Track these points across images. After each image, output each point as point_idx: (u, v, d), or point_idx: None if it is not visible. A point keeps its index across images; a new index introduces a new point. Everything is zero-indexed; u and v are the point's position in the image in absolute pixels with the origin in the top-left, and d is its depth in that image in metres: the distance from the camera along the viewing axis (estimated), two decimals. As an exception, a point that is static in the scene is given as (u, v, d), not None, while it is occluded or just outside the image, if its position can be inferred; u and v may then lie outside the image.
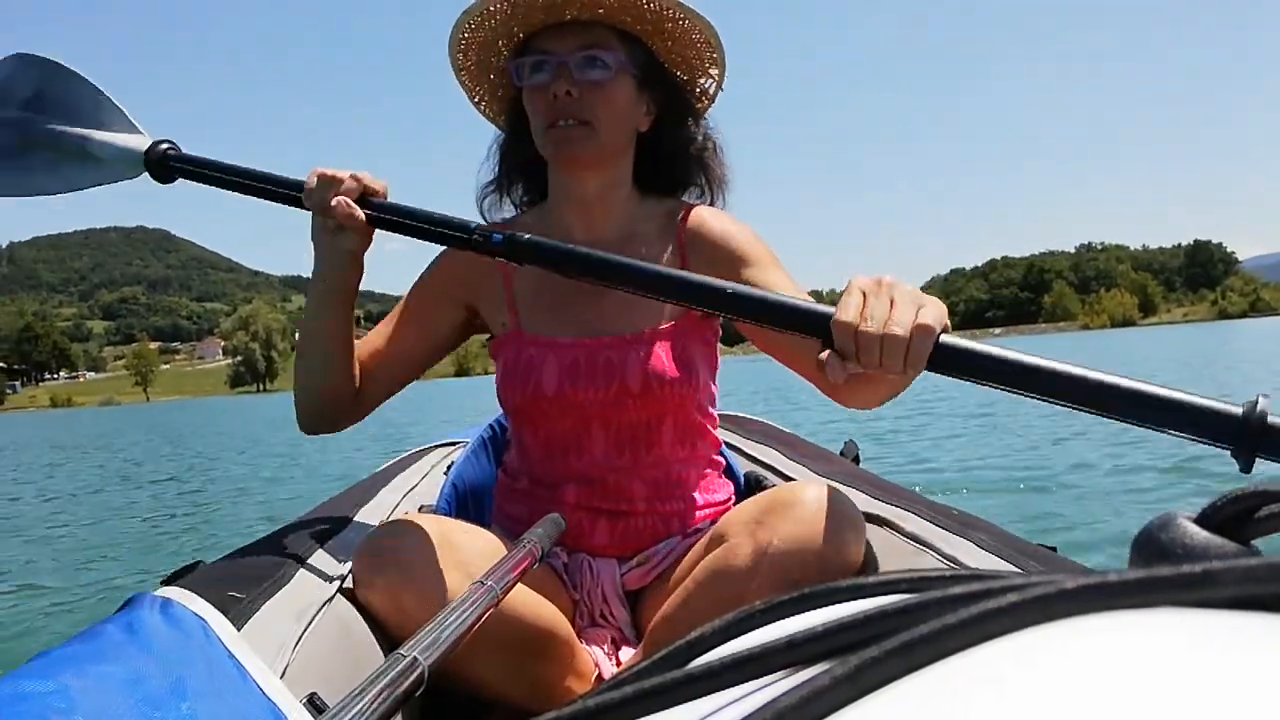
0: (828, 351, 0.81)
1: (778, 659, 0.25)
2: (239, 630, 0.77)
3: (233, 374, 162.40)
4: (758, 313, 0.87)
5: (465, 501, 1.50)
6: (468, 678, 0.97)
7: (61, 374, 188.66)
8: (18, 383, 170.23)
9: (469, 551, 0.99)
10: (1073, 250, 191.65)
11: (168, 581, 0.90)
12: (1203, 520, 0.29)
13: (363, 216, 1.05)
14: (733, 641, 0.30)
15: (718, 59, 1.21)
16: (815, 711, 0.21)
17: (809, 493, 0.97)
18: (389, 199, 1.09)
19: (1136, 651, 0.20)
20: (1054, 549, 1.00)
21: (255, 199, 1.15)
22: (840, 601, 0.31)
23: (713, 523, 1.14)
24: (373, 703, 0.50)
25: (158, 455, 13.90)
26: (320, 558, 1.04)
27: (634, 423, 1.19)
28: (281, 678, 0.74)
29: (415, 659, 0.56)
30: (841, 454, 1.76)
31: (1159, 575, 0.23)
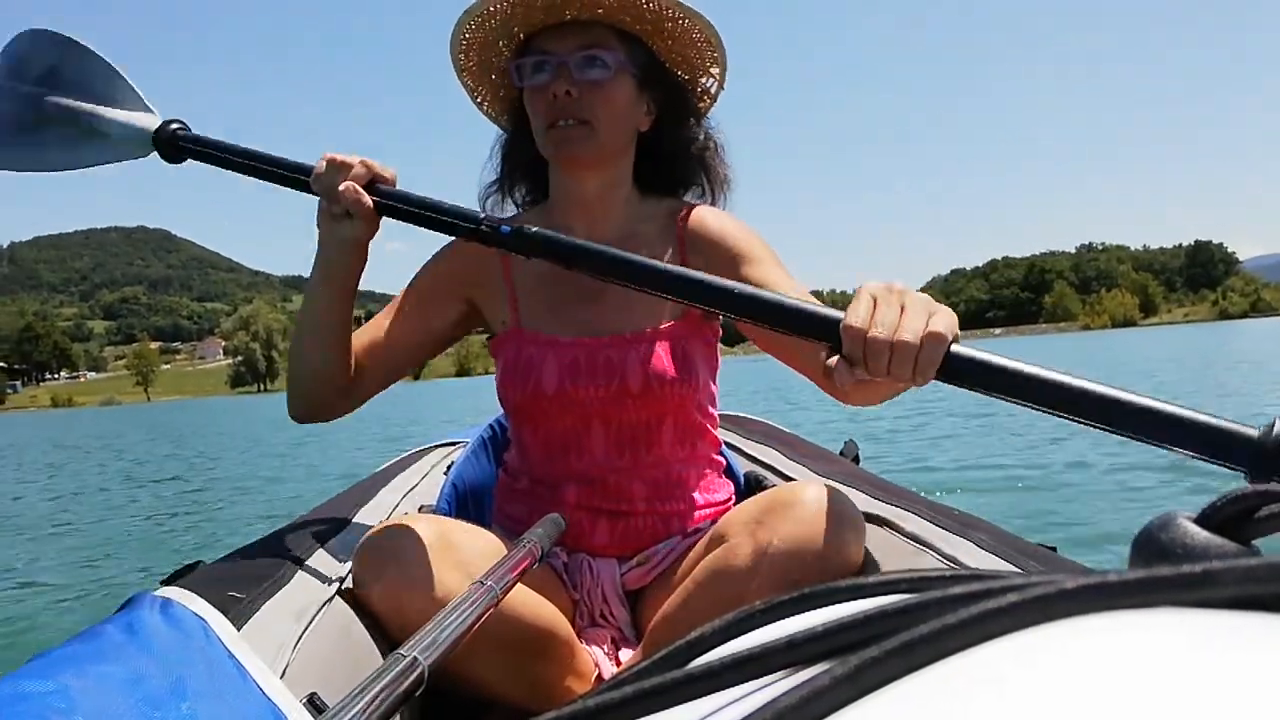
0: (836, 358, 0.80)
1: (778, 659, 0.25)
2: (239, 630, 0.77)
3: (233, 374, 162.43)
4: (766, 315, 0.86)
5: (465, 501, 1.50)
6: (468, 678, 0.97)
7: (62, 374, 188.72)
8: (18, 382, 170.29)
9: (469, 551, 0.99)
10: (1073, 250, 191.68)
11: (168, 581, 0.90)
12: (1203, 520, 0.29)
13: (370, 203, 1.04)
14: (733, 641, 0.30)
15: (718, 58, 1.21)
16: (815, 711, 0.21)
17: (809, 493, 0.97)
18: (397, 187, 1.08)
19: (1136, 651, 0.20)
20: (1054, 549, 1.00)
21: (263, 182, 1.14)
22: (840, 601, 0.31)
23: (713, 523, 1.14)
24: (373, 703, 0.50)
25: (158, 455, 13.91)
26: (320, 558, 1.04)
27: (634, 422, 1.19)
28: (281, 678, 0.74)
29: (415, 659, 0.56)
30: (841, 454, 1.76)
31: (1159, 575, 0.23)
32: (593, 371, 1.17)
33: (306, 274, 1.16)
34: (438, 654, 0.59)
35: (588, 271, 0.95)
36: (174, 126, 1.19)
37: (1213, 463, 0.66)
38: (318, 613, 0.89)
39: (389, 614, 0.95)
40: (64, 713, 0.56)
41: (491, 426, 1.63)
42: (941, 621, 0.22)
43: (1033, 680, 0.20)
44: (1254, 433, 0.64)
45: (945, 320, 0.78)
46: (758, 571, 0.93)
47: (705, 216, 1.24)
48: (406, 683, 0.54)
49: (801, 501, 0.96)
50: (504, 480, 1.32)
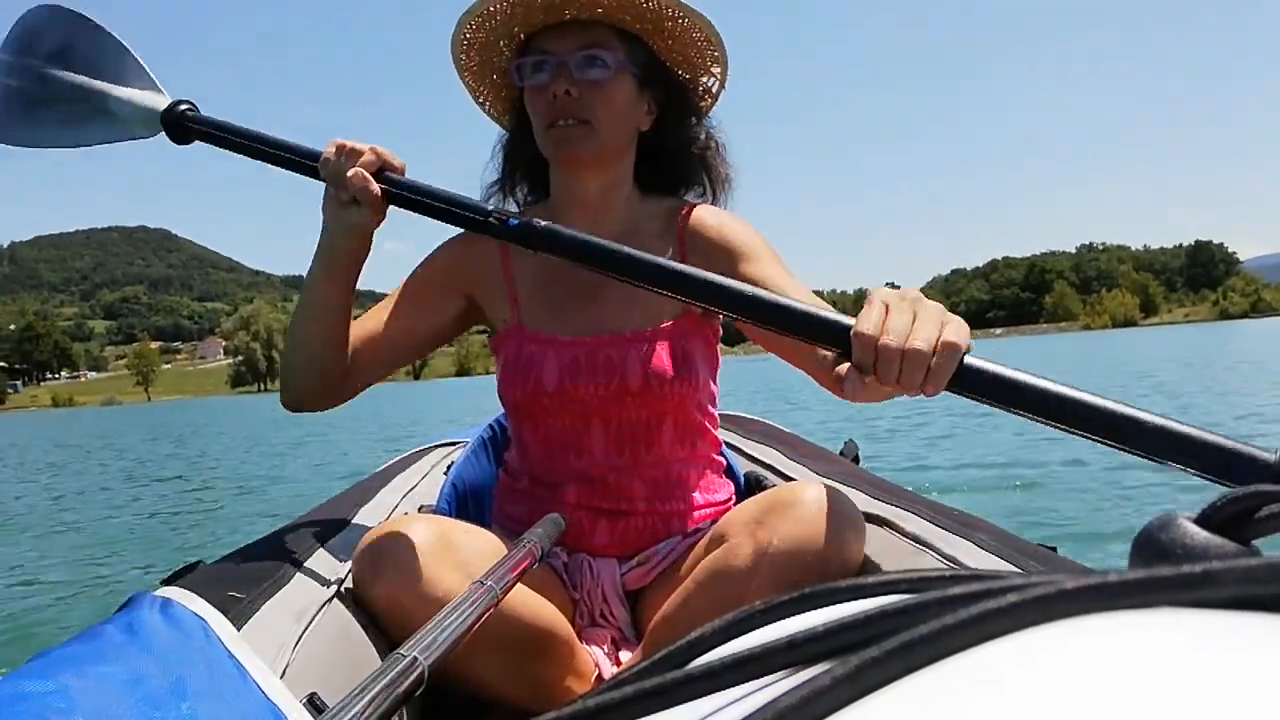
0: (847, 365, 0.79)
1: (778, 659, 0.25)
2: (239, 630, 0.77)
3: (234, 374, 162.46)
4: (775, 319, 0.85)
5: (465, 501, 1.50)
6: (468, 678, 0.97)
7: (63, 373, 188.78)
8: (19, 382, 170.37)
9: (469, 551, 0.99)
10: (1074, 250, 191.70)
11: (168, 581, 0.90)
12: (1203, 520, 0.29)
13: (378, 191, 1.04)
14: (733, 641, 0.30)
15: (719, 57, 1.21)
16: (815, 711, 0.21)
17: (809, 493, 0.97)
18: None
19: (1136, 651, 0.20)
20: (1054, 549, 1.00)
21: (271, 168, 1.14)
22: (840, 601, 0.31)
23: (713, 523, 1.14)
24: (373, 702, 0.50)
25: (159, 455, 13.91)
26: (320, 558, 1.04)
27: (634, 421, 1.19)
28: (281, 678, 0.74)
29: (415, 659, 0.56)
30: (841, 454, 1.76)
31: (1159, 575, 0.23)
32: (593, 370, 1.17)
33: (307, 273, 1.16)
34: (438, 654, 0.59)
35: (595, 268, 0.94)
36: (183, 107, 1.18)
37: (1228, 486, 0.65)
38: (318, 613, 0.89)
39: (389, 614, 0.95)
40: (64, 713, 0.56)
41: (491, 426, 1.63)
42: (941, 621, 0.22)
43: (1033, 680, 0.20)
44: (1270, 456, 0.63)
45: (958, 330, 0.77)
46: (758, 571, 0.93)
47: (705, 215, 1.24)
48: (406, 683, 0.54)
49: (801, 501, 0.95)
50: (504, 480, 1.32)
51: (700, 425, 1.25)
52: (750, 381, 23.76)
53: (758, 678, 0.26)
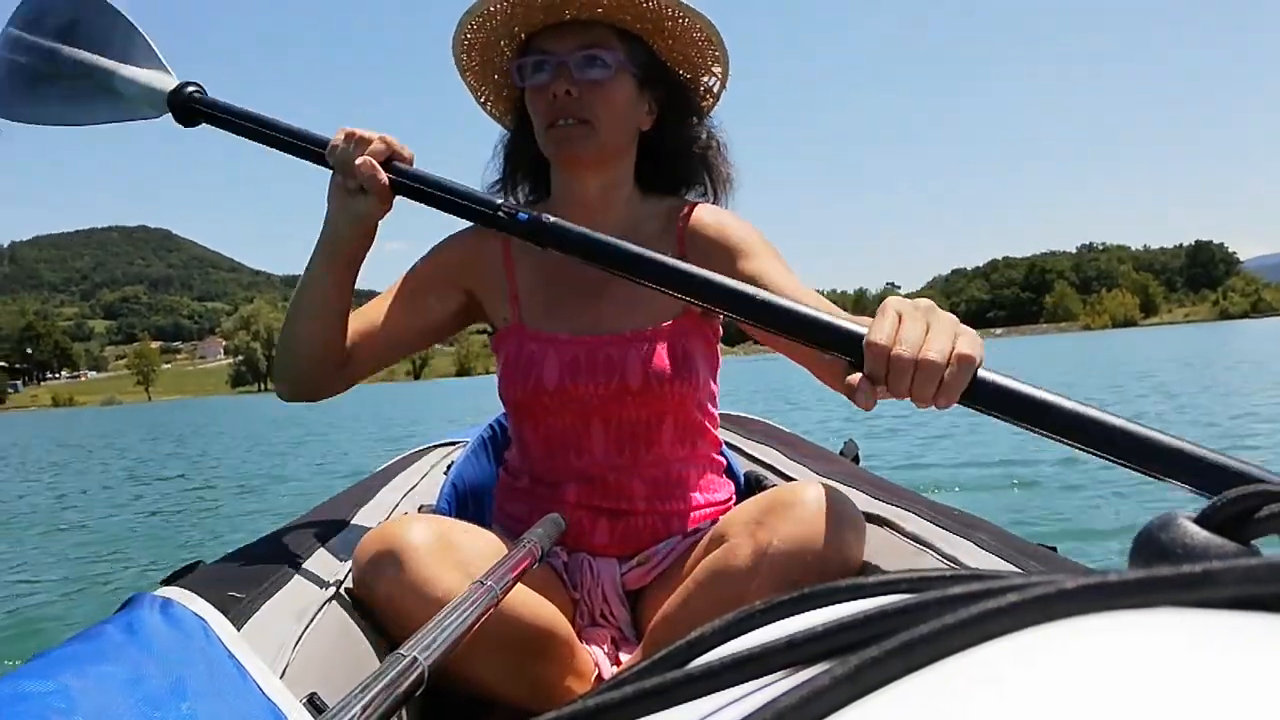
0: (859, 376, 0.77)
1: (778, 659, 0.25)
2: (239, 630, 0.77)
3: (234, 373, 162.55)
4: (785, 325, 0.83)
5: (465, 501, 1.50)
6: (468, 678, 0.97)
7: (63, 373, 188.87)
8: (19, 382, 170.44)
9: (469, 551, 0.99)
10: (1074, 250, 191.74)
11: (168, 581, 0.90)
12: (1203, 520, 0.29)
13: (386, 180, 1.03)
14: (733, 641, 0.30)
15: (720, 57, 1.21)
16: (815, 711, 0.21)
17: (809, 493, 0.97)
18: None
19: (1136, 651, 0.20)
20: (1054, 549, 1.00)
21: (278, 152, 1.13)
22: (840, 601, 0.31)
23: (713, 523, 1.14)
24: (373, 702, 0.50)
25: (160, 454, 13.92)
26: (320, 558, 1.04)
27: (634, 420, 1.19)
28: (281, 678, 0.74)
29: (415, 659, 0.56)
30: (841, 454, 1.76)
31: (1159, 575, 0.23)
32: (593, 369, 1.17)
33: (308, 261, 1.13)
34: (438, 654, 0.59)
35: (602, 265, 0.93)
36: (190, 89, 1.17)
37: None
38: (318, 613, 0.89)
39: (389, 614, 0.95)
40: (64, 713, 0.56)
41: (492, 426, 1.63)
42: (941, 621, 0.22)
43: (1033, 680, 0.20)
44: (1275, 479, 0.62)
45: (972, 342, 0.76)
46: (758, 571, 0.93)
47: (704, 214, 1.24)
48: (406, 683, 0.54)
49: (801, 501, 0.95)
50: (504, 479, 1.32)
51: (700, 425, 1.25)
52: (750, 381, 23.76)
53: (757, 678, 0.26)
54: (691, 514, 1.22)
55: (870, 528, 1.06)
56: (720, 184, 1.29)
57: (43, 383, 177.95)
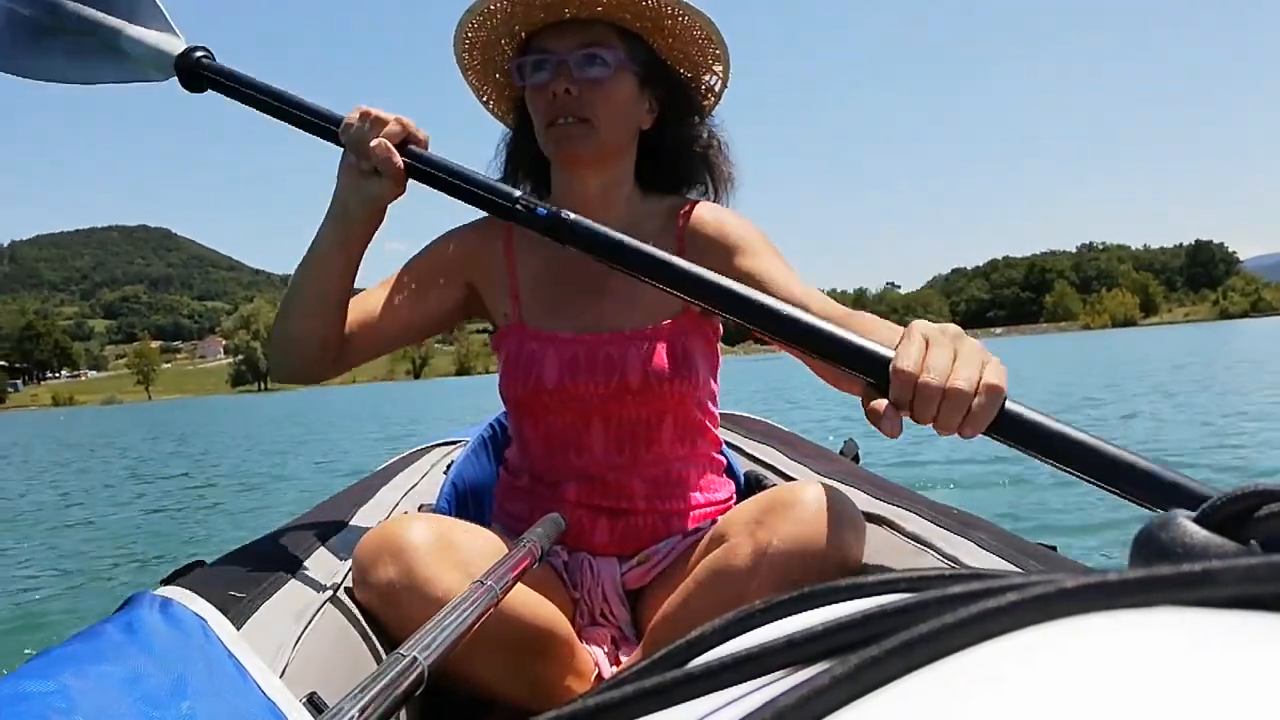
0: (884, 402, 0.76)
1: (777, 659, 0.25)
2: (239, 630, 0.77)
3: (234, 373, 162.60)
4: (810, 341, 0.82)
5: (465, 501, 1.50)
6: (468, 677, 0.97)
7: (63, 372, 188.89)
8: (19, 381, 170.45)
9: (469, 551, 0.99)
10: (1074, 250, 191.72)
11: (168, 581, 0.90)
12: (1203, 519, 0.29)
13: (401, 164, 1.01)
14: (733, 641, 0.30)
15: (721, 55, 1.21)
16: (815, 711, 0.21)
17: (809, 493, 0.97)
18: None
19: (1136, 651, 0.20)
20: (1054, 548, 1.00)
21: (289, 126, 1.09)
22: (840, 601, 0.31)
23: (713, 522, 1.14)
24: (373, 702, 0.50)
25: (160, 453, 13.92)
26: (320, 557, 1.05)
27: (634, 419, 1.19)
28: (281, 677, 0.74)
29: (415, 658, 0.56)
30: (841, 453, 1.76)
31: (1159, 574, 0.23)
32: (592, 368, 1.17)
33: (313, 239, 1.11)
34: (437, 654, 0.59)
35: (620, 266, 0.92)
36: (199, 54, 1.14)
37: None
38: (317, 612, 0.89)
39: (389, 614, 0.95)
40: (64, 712, 0.56)
41: (492, 426, 1.63)
42: (941, 621, 0.22)
43: (1032, 679, 0.20)
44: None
45: (999, 371, 0.75)
46: (758, 571, 0.93)
47: (704, 212, 1.24)
48: (406, 682, 0.54)
49: (801, 501, 0.95)
50: (505, 478, 1.32)
51: (700, 424, 1.25)
52: (750, 381, 23.76)
53: (757, 677, 0.26)
54: (691, 513, 1.22)
55: (870, 527, 1.06)
56: (721, 183, 1.29)
57: (43, 382, 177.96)
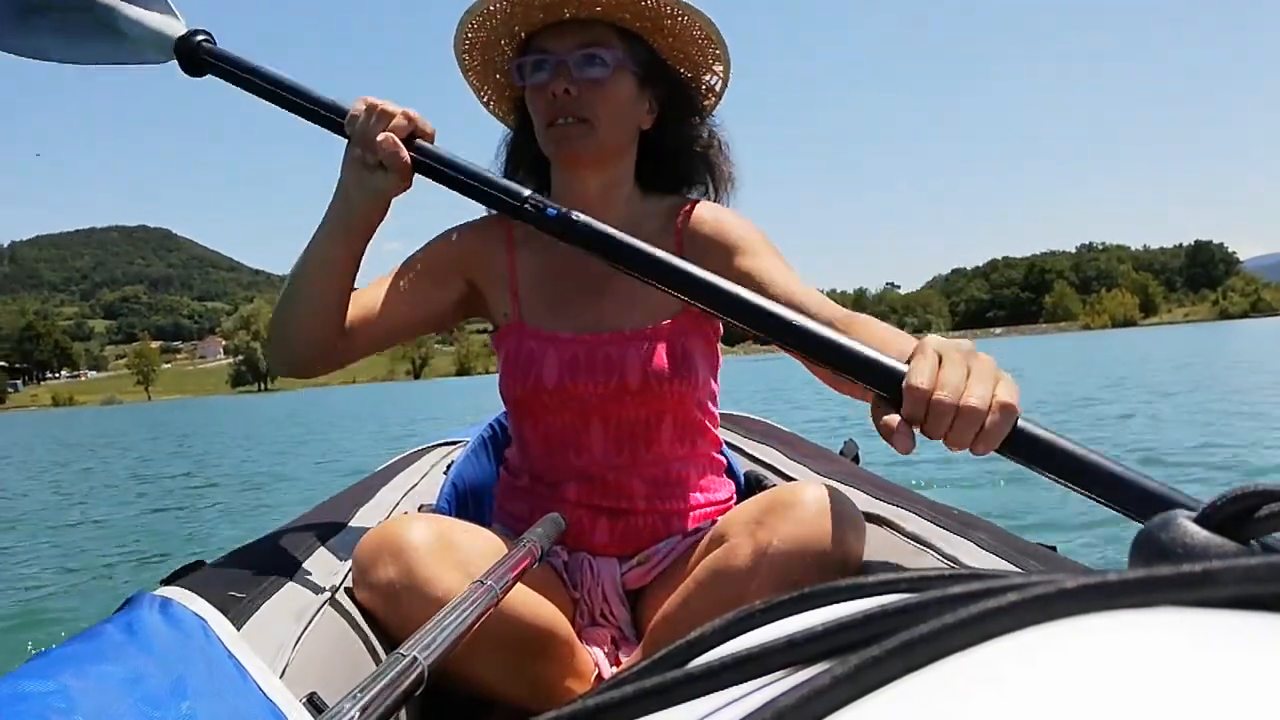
0: (896, 418, 0.75)
1: (777, 659, 0.25)
2: (239, 630, 0.77)
3: (234, 373, 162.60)
4: (822, 352, 0.81)
5: (465, 501, 1.50)
6: (467, 677, 0.97)
7: (63, 373, 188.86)
8: (19, 381, 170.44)
9: (469, 551, 0.99)
10: (1073, 250, 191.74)
11: (168, 581, 0.90)
12: (1203, 520, 0.29)
13: (408, 159, 1.00)
14: (733, 641, 0.30)
15: (721, 55, 1.21)
16: (815, 711, 0.21)
17: (809, 493, 0.97)
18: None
19: (1137, 651, 0.20)
20: (1054, 548, 1.00)
21: (292, 115, 1.07)
22: (840, 601, 0.31)
23: (713, 522, 1.14)
24: (373, 702, 0.50)
25: (158, 454, 13.92)
26: (320, 558, 1.04)
27: (633, 419, 1.19)
28: (281, 677, 0.74)
29: (415, 658, 0.56)
30: (841, 454, 1.76)
31: (1159, 575, 0.23)
32: (592, 368, 1.17)
33: (315, 231, 1.10)
34: (437, 653, 0.59)
35: (629, 270, 0.91)
36: (200, 38, 1.11)
37: None
38: (317, 612, 0.89)
39: (389, 614, 0.95)
40: (64, 713, 0.56)
41: (492, 426, 1.63)
42: (941, 621, 0.22)
43: (1033, 680, 0.20)
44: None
45: (1012, 389, 0.75)
46: (758, 571, 0.93)
47: (703, 212, 1.24)
48: (406, 682, 0.54)
49: (801, 501, 0.95)
50: (505, 478, 1.32)
51: (700, 424, 1.25)
52: (750, 381, 23.76)
53: (757, 677, 0.26)
54: (691, 514, 1.22)
55: (870, 528, 1.06)
56: (721, 183, 1.29)
57: (43, 382, 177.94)
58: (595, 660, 1.11)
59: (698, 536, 1.15)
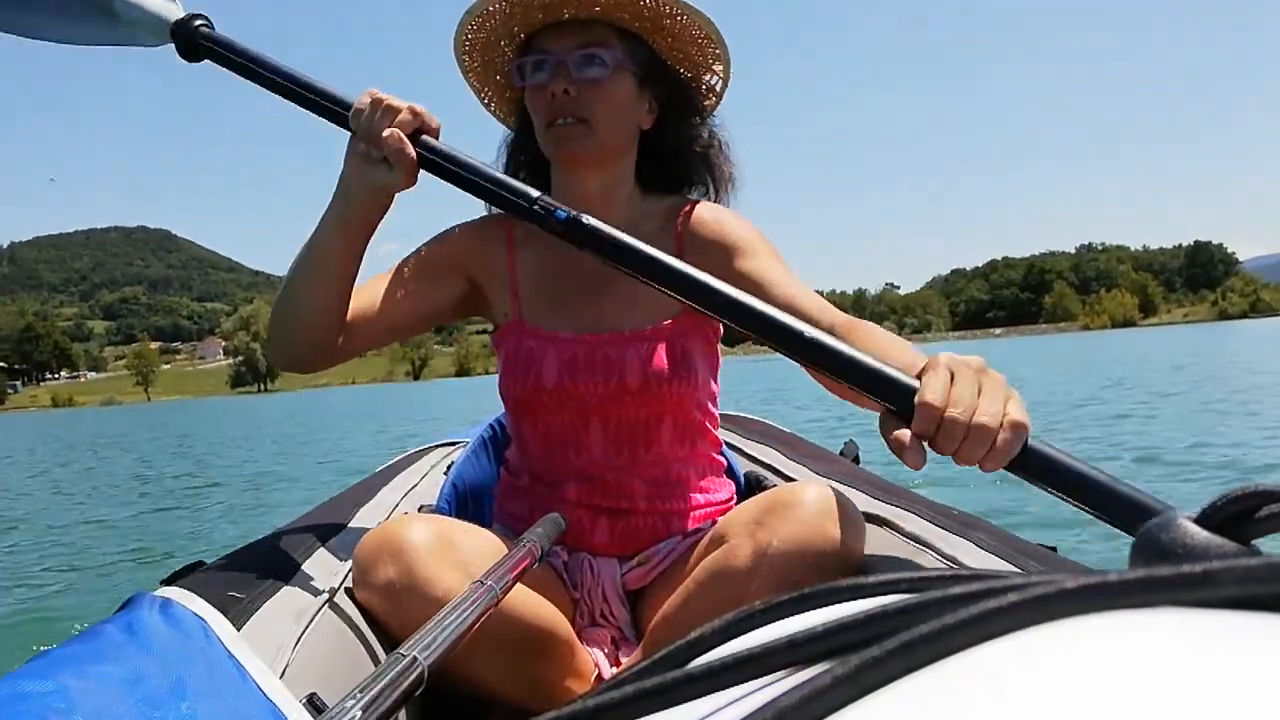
0: (907, 434, 0.76)
1: (778, 659, 0.25)
2: (239, 630, 0.77)
3: (234, 374, 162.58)
4: (832, 364, 0.81)
5: (465, 501, 1.50)
6: (468, 677, 0.97)
7: (62, 374, 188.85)
8: (19, 382, 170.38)
9: (469, 551, 0.99)
10: (1073, 251, 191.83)
11: (168, 581, 0.90)
12: (1203, 520, 0.29)
13: (414, 156, 0.98)
14: (733, 641, 0.30)
15: (721, 55, 1.21)
16: (816, 711, 0.21)
17: (809, 493, 0.97)
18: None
19: (1137, 651, 0.20)
20: (1054, 549, 1.00)
21: (293, 105, 1.05)
22: (840, 601, 0.31)
23: (713, 523, 1.14)
24: (373, 702, 0.50)
25: (158, 455, 13.91)
26: (320, 558, 1.04)
27: (632, 420, 1.19)
28: (281, 678, 0.74)
29: (415, 658, 0.56)
30: (841, 454, 1.76)
31: (1159, 575, 0.23)
32: (591, 368, 1.17)
33: (316, 225, 1.08)
34: (437, 654, 0.59)
35: (641, 277, 0.90)
36: (198, 23, 1.09)
37: None
38: (317, 613, 0.89)
39: (389, 614, 0.95)
40: (64, 713, 0.56)
41: (492, 426, 1.63)
42: (942, 621, 0.22)
43: (1033, 680, 0.20)
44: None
45: (1021, 406, 0.76)
46: (758, 572, 0.93)
47: (703, 212, 1.24)
48: (406, 682, 0.54)
49: (801, 502, 0.95)
50: (505, 478, 1.32)
51: (700, 425, 1.25)
52: (750, 381, 23.76)
53: (758, 678, 0.26)
54: (691, 514, 1.22)
55: (870, 528, 1.06)
56: (722, 183, 1.29)
57: (42, 383, 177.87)
58: (595, 660, 1.11)
59: (698, 537, 1.15)
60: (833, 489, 0.99)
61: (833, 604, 0.31)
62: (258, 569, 0.95)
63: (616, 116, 1.16)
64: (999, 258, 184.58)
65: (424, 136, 1.00)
